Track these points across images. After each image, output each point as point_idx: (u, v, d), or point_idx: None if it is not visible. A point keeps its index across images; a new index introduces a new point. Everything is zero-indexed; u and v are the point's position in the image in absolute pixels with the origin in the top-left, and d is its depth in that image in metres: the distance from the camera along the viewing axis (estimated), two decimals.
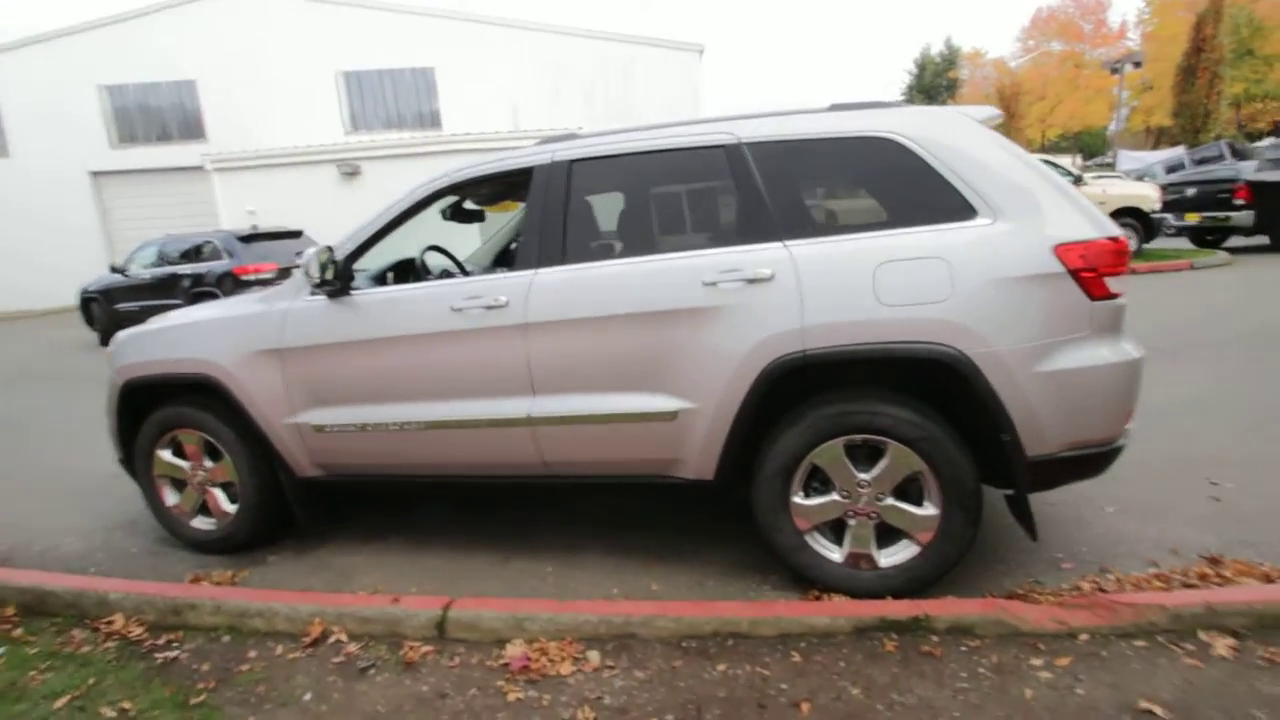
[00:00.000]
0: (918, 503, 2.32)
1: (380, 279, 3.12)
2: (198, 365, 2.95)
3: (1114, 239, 2.17)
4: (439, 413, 2.68)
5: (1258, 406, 4.11)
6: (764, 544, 2.49)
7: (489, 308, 2.56)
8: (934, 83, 46.84)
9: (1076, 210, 2.20)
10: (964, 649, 2.11)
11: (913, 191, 2.27)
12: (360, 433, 2.79)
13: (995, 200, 2.20)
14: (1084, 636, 2.12)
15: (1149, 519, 2.86)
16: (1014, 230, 2.17)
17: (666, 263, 2.43)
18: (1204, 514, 2.87)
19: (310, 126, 19.41)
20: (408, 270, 3.28)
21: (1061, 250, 2.13)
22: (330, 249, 2.76)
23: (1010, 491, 2.34)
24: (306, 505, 3.06)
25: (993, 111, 2.49)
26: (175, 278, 10.25)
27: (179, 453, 3.13)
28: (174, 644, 2.46)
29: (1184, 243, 12.78)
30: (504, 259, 3.95)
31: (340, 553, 3.10)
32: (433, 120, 20.83)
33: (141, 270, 10.78)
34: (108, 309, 10.91)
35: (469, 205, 3.65)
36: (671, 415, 2.42)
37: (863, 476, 2.32)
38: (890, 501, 2.32)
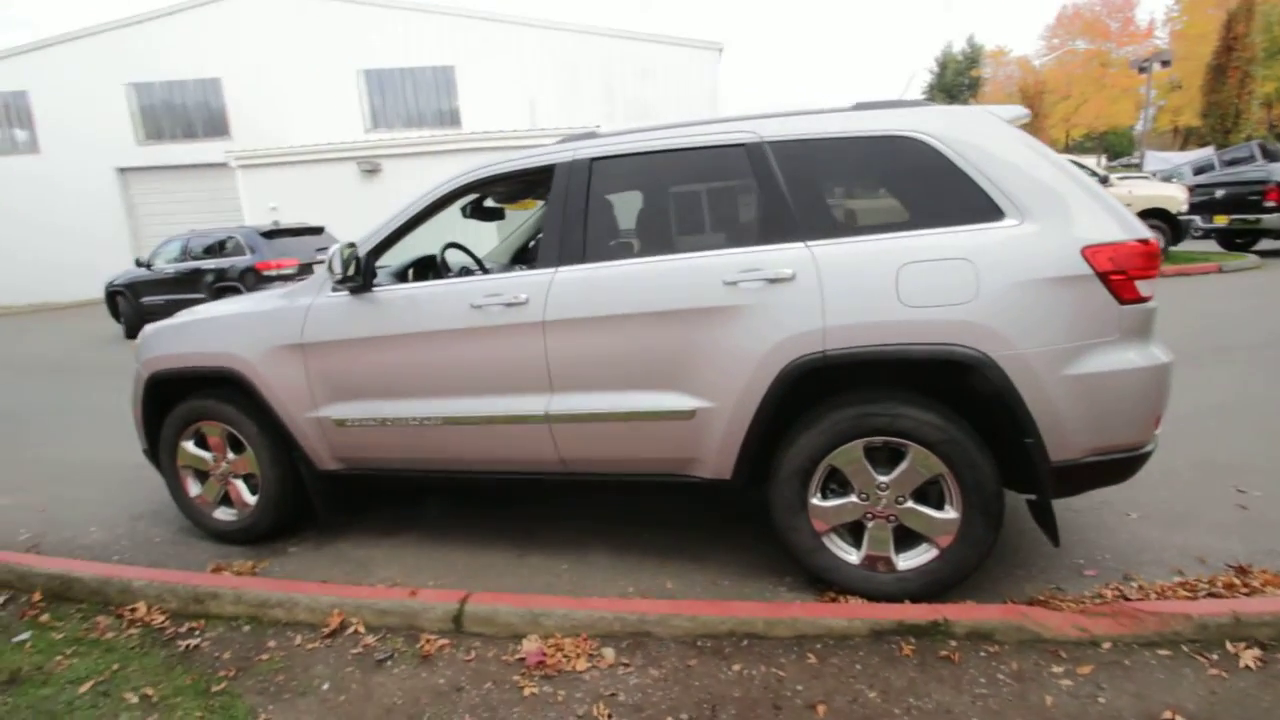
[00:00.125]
0: (938, 506, 2.29)
1: (401, 276, 3.15)
2: (222, 359, 2.99)
3: (1144, 241, 2.13)
4: (458, 409, 2.70)
5: None
6: (780, 545, 2.48)
7: (509, 305, 2.57)
8: (956, 81, 46.35)
9: (1105, 211, 2.16)
10: (983, 654, 2.08)
11: (938, 192, 2.24)
12: (380, 427, 2.81)
13: (1022, 201, 2.17)
14: (1106, 645, 2.09)
15: (1174, 526, 2.81)
16: (1041, 232, 2.14)
17: (687, 262, 2.43)
18: (1231, 522, 2.82)
19: (332, 124, 19.64)
20: (428, 267, 3.30)
21: (1089, 252, 2.10)
22: (353, 245, 2.79)
23: (1033, 496, 2.31)
24: (326, 498, 3.10)
25: (1021, 111, 2.45)
26: (199, 272, 10.42)
27: (202, 444, 3.18)
28: (196, 632, 2.50)
29: (1212, 245, 12.54)
30: (522, 257, 3.97)
31: (359, 545, 3.14)
32: (452, 118, 20.98)
33: (166, 265, 10.96)
34: (133, 303, 11.12)
35: (489, 203, 3.67)
36: (689, 414, 2.41)
37: (882, 479, 2.30)
38: (910, 505, 2.30)
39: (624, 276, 2.49)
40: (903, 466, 2.27)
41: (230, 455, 3.12)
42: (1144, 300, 2.14)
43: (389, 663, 2.25)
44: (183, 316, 3.32)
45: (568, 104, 19.96)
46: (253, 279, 9.82)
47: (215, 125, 20.94)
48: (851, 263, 2.24)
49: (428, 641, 2.32)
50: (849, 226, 2.42)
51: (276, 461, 3.02)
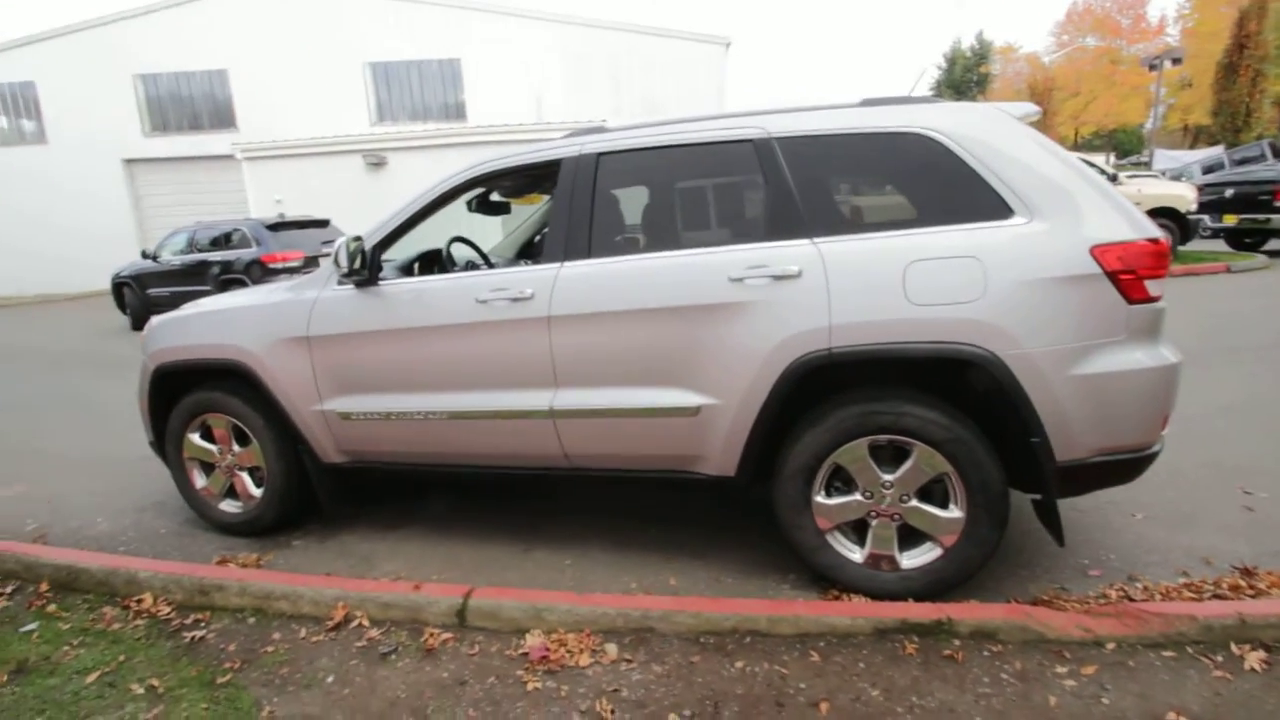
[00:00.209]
0: (943, 505, 2.29)
1: (407, 269, 3.15)
2: (228, 351, 3.00)
3: (1154, 241, 2.11)
4: (462, 403, 2.70)
5: None
6: (784, 542, 2.48)
7: (514, 300, 2.57)
8: (964, 78, 46.10)
9: (1115, 211, 2.15)
10: (987, 654, 2.08)
11: (947, 189, 2.23)
12: (385, 421, 2.82)
13: (1032, 199, 2.16)
14: (1111, 645, 2.08)
15: (1179, 527, 2.80)
16: (1050, 230, 2.12)
17: (693, 258, 2.42)
18: (1237, 523, 2.80)
19: (338, 117, 19.63)
20: (433, 261, 3.30)
21: (1099, 251, 2.08)
22: (359, 239, 2.79)
23: (1038, 496, 2.31)
24: (331, 491, 3.11)
25: (1031, 108, 2.43)
26: (204, 264, 10.44)
27: (208, 437, 3.19)
28: (201, 624, 2.51)
29: (1220, 245, 12.46)
30: (528, 251, 3.97)
31: (363, 539, 3.15)
32: (458, 111, 20.94)
33: (172, 256, 10.99)
34: (139, 294, 11.15)
35: (495, 197, 3.66)
36: (694, 411, 2.41)
37: (887, 477, 2.29)
38: (914, 503, 2.29)
39: (629, 272, 2.48)
40: (908, 465, 2.27)
41: (236, 448, 3.14)
42: (1153, 300, 2.13)
43: (393, 656, 2.26)
44: (189, 309, 3.33)
45: (574, 98, 19.91)
46: (258, 271, 9.84)
47: (222, 117, 20.95)
48: (858, 260, 2.24)
49: (431, 635, 2.33)
50: (856, 224, 2.41)
51: (282, 454, 3.03)
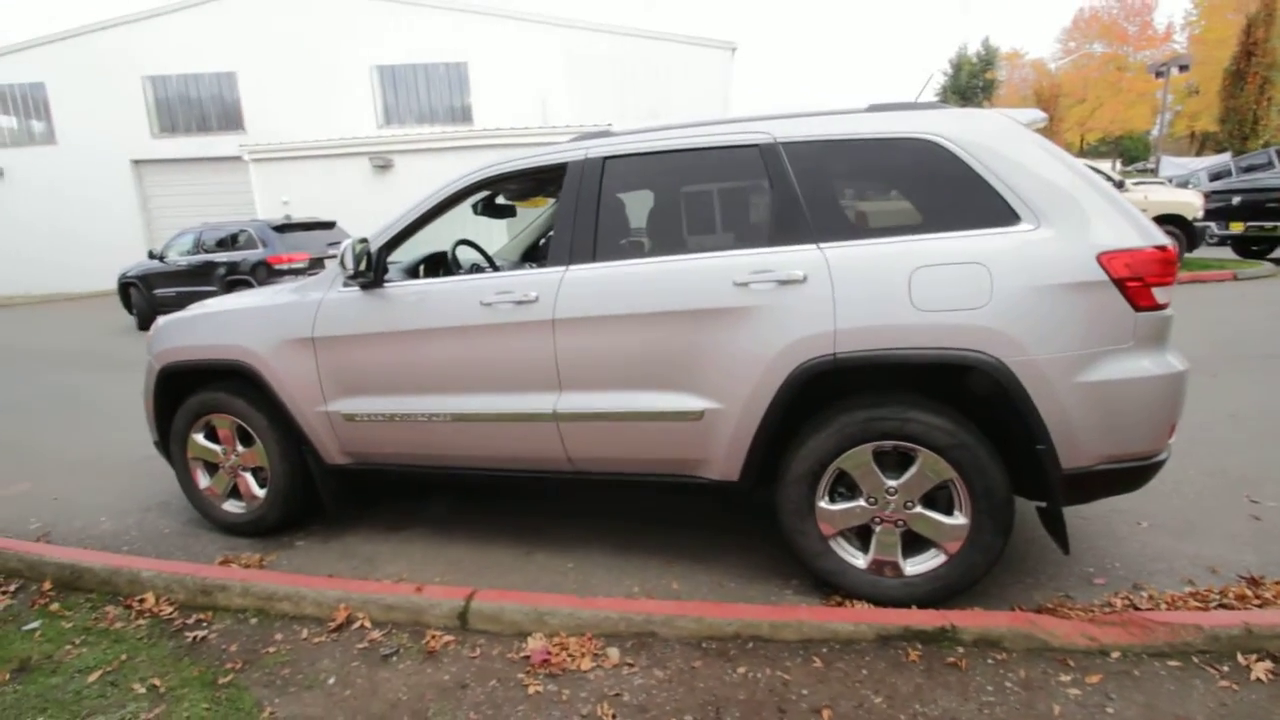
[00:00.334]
0: (947, 511, 2.28)
1: (412, 272, 3.15)
2: (233, 352, 3.01)
3: (1161, 248, 2.10)
4: (466, 405, 2.70)
5: None
6: (787, 547, 2.47)
7: (519, 303, 2.58)
8: (970, 84, 46.07)
9: (1123, 217, 2.14)
10: (990, 662, 2.07)
11: (953, 195, 2.23)
12: (389, 423, 2.82)
13: (1038, 206, 2.15)
14: (1115, 654, 2.07)
15: (1185, 536, 2.78)
16: (1057, 237, 2.12)
17: (698, 262, 2.42)
18: (1243, 532, 2.78)
19: (345, 119, 19.72)
20: (439, 264, 3.31)
21: (1106, 258, 2.08)
22: (365, 241, 2.80)
23: (1043, 504, 2.30)
24: (334, 492, 3.11)
25: (1038, 114, 2.43)
26: (211, 265, 10.49)
27: (212, 437, 3.20)
28: (203, 624, 2.52)
29: (1227, 252, 12.41)
30: (533, 254, 3.98)
31: (366, 540, 3.15)
32: (464, 115, 21.02)
33: (179, 257, 11.04)
34: (145, 294, 11.20)
35: (500, 200, 3.67)
36: (698, 415, 2.41)
37: (891, 483, 2.28)
38: (918, 510, 2.28)
39: (634, 276, 2.48)
40: (912, 471, 2.26)
41: (240, 448, 3.14)
42: (1160, 308, 2.12)
43: (394, 658, 2.26)
44: (195, 309, 3.34)
45: (580, 102, 19.96)
46: (264, 273, 9.88)
47: (229, 119, 21.06)
48: (864, 265, 2.23)
49: (433, 638, 2.33)
50: (862, 229, 2.40)
51: (286, 455, 3.04)
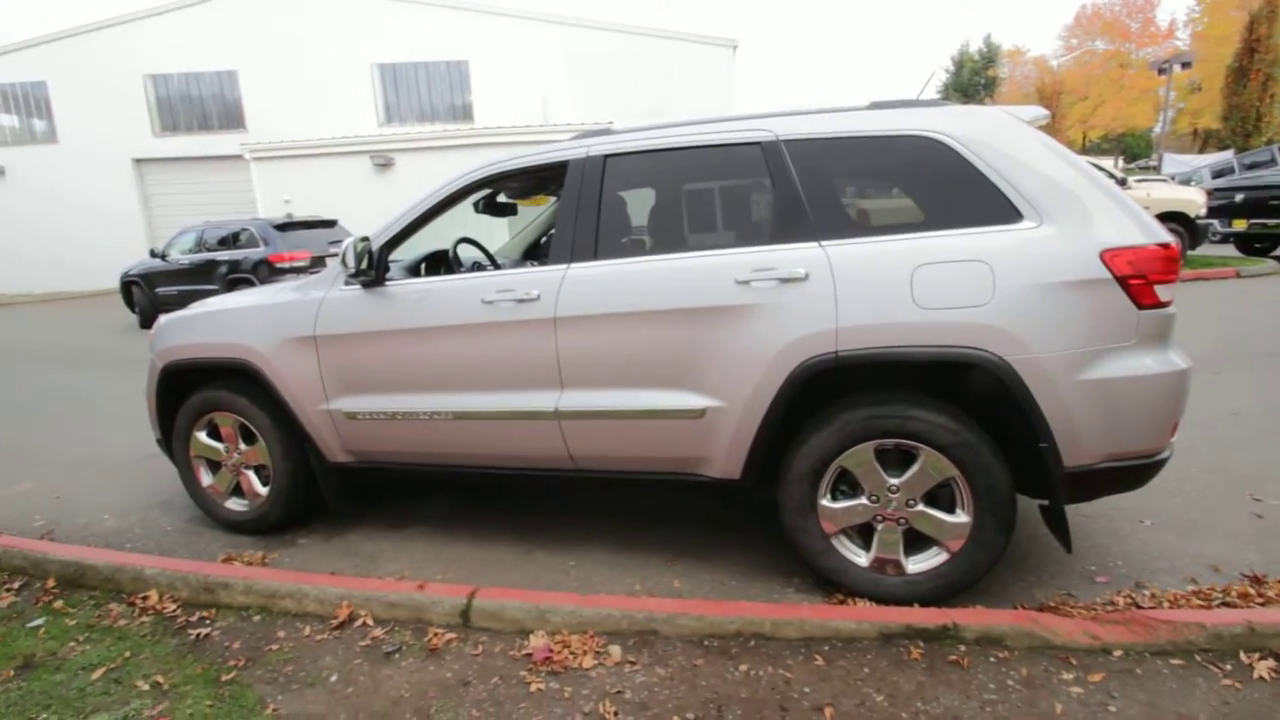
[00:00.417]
0: (949, 510, 2.28)
1: (414, 270, 3.16)
2: (235, 350, 3.01)
3: (1164, 245, 2.10)
4: (468, 403, 2.70)
5: None
6: (789, 545, 2.47)
7: (520, 301, 2.58)
8: (972, 81, 45.99)
9: (1126, 215, 2.13)
10: (993, 660, 2.07)
11: (955, 193, 2.22)
12: (391, 421, 2.82)
13: (1041, 203, 2.14)
14: (1118, 653, 2.06)
15: (1188, 534, 2.78)
16: (1059, 234, 2.11)
17: (700, 260, 2.42)
18: (1246, 531, 2.78)
19: (346, 118, 19.71)
20: (440, 262, 3.31)
21: (1108, 256, 2.07)
22: (367, 239, 2.80)
23: (1046, 502, 2.29)
24: (337, 490, 3.11)
25: (1040, 112, 2.42)
26: (213, 264, 10.49)
27: (215, 435, 3.20)
28: (206, 621, 2.52)
29: (1230, 250, 12.39)
30: (534, 253, 3.98)
31: (368, 538, 3.15)
32: (465, 113, 21.00)
33: (180, 256, 11.05)
34: (147, 293, 11.21)
35: (502, 198, 3.67)
36: (699, 413, 2.40)
37: (893, 481, 2.28)
38: (921, 508, 2.28)
39: (636, 274, 2.48)
40: (914, 469, 2.26)
41: (242, 446, 3.15)
42: (1163, 305, 2.12)
43: (396, 656, 2.26)
44: (196, 308, 3.34)
45: (581, 100, 19.94)
46: (266, 271, 9.88)
47: (231, 118, 21.06)
48: (866, 263, 2.23)
49: (435, 635, 2.33)
50: (864, 227, 2.40)
51: (288, 453, 3.04)
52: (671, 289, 2.41)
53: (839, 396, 2.33)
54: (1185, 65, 19.88)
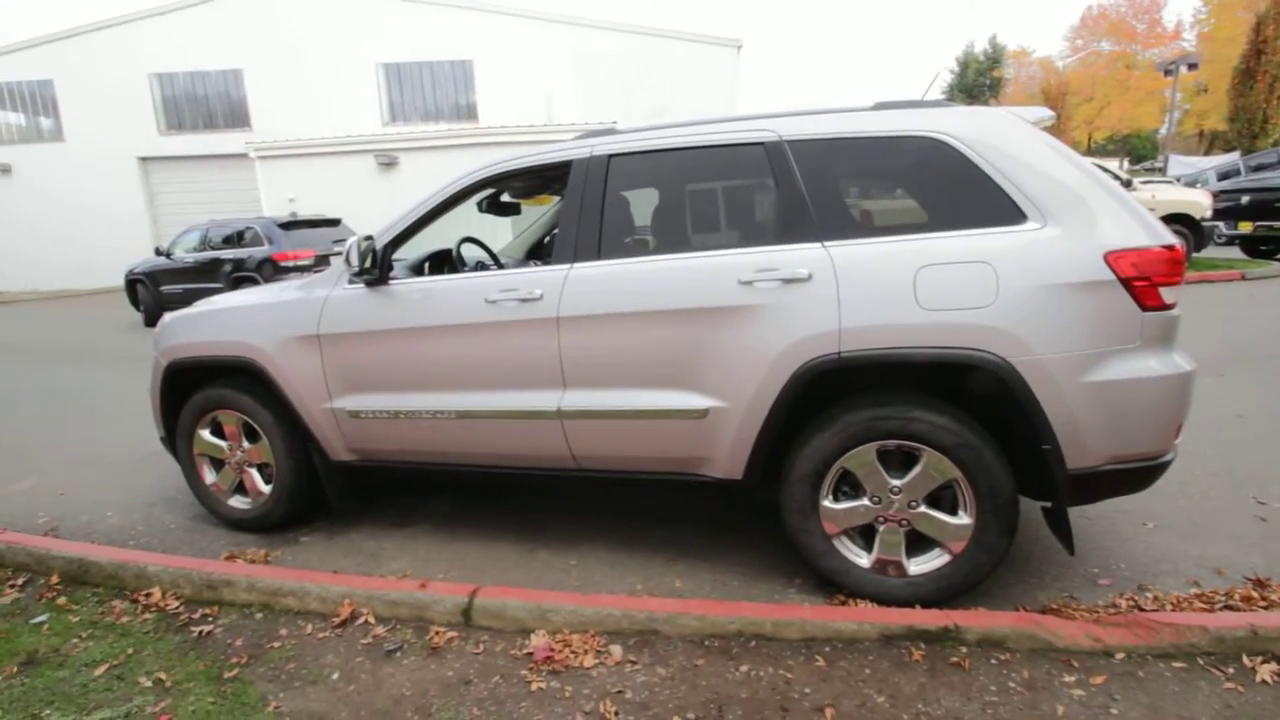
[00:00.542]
0: (951, 511, 2.27)
1: (417, 269, 3.17)
2: (239, 349, 3.02)
3: (1169, 247, 2.09)
4: (471, 403, 2.71)
5: None
6: (790, 546, 2.47)
7: (523, 300, 2.58)
8: (977, 81, 45.89)
9: (1130, 216, 2.13)
10: (994, 662, 2.06)
11: (959, 194, 2.22)
12: (394, 420, 2.83)
13: (1045, 204, 2.14)
14: (1120, 655, 2.06)
15: (1191, 537, 2.77)
16: (1064, 236, 2.11)
17: (703, 260, 2.42)
18: (1250, 534, 2.77)
19: (350, 117, 19.75)
20: (443, 261, 3.32)
21: (1113, 258, 2.06)
22: (370, 238, 2.81)
23: (1048, 504, 2.29)
24: (339, 489, 3.12)
25: (1045, 113, 2.42)
26: (217, 262, 10.53)
27: (218, 433, 3.21)
28: (209, 618, 2.53)
29: (1235, 252, 12.35)
30: (537, 252, 3.98)
31: (371, 536, 3.16)
32: (469, 112, 21.02)
33: (185, 254, 11.09)
34: (152, 291, 11.26)
35: (505, 198, 3.68)
36: (702, 413, 2.40)
37: (895, 482, 2.28)
38: (923, 509, 2.28)
39: (639, 274, 2.48)
40: (916, 471, 2.26)
41: (246, 444, 3.16)
42: (1168, 307, 2.11)
43: (398, 654, 2.26)
44: (201, 306, 3.36)
45: (585, 99, 19.94)
46: (270, 270, 9.91)
47: (236, 116, 21.11)
48: (869, 264, 2.22)
49: (437, 634, 2.34)
50: (867, 227, 2.39)
51: (291, 451, 3.05)
52: (674, 289, 2.41)
53: (841, 397, 2.33)
54: (1191, 66, 19.79)
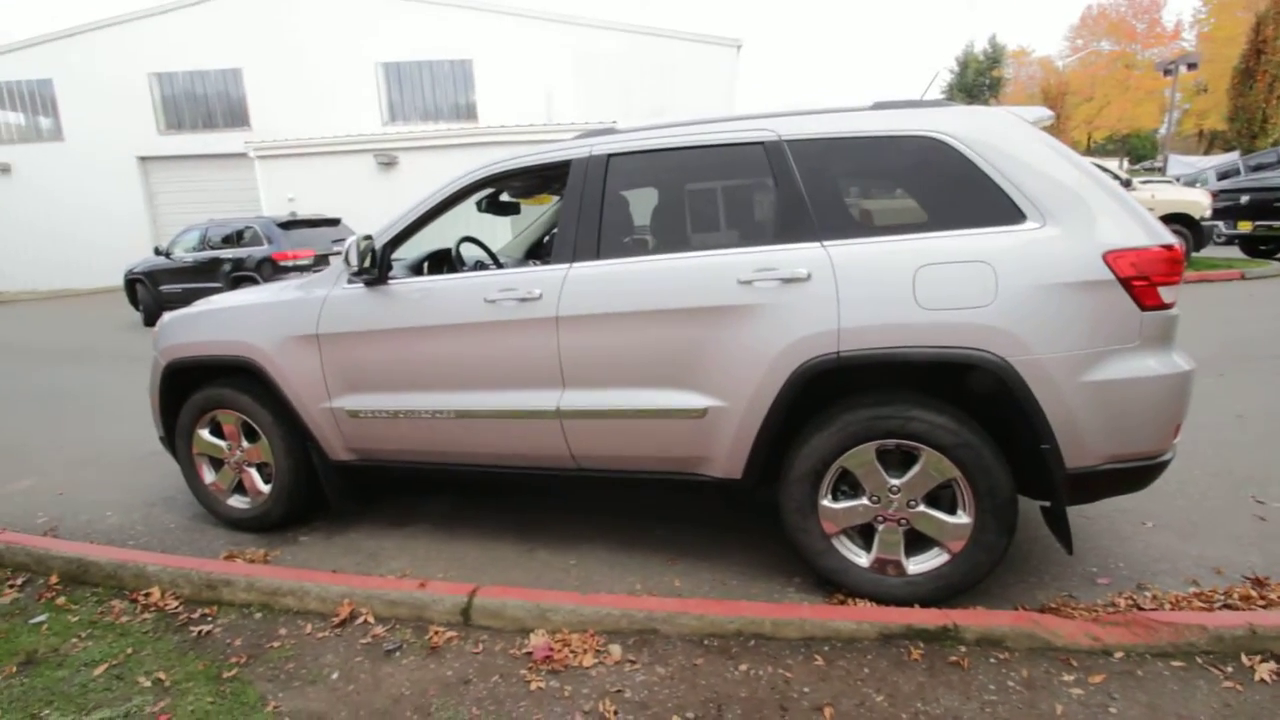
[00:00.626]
0: (950, 511, 2.27)
1: (416, 269, 3.17)
2: (238, 348, 3.02)
3: (1168, 247, 2.09)
4: (470, 402, 2.71)
5: None
6: (789, 545, 2.47)
7: (522, 300, 2.58)
8: (977, 81, 45.90)
9: (1129, 216, 2.13)
10: (993, 661, 2.07)
11: (958, 193, 2.22)
12: (393, 419, 2.83)
13: (1044, 204, 2.14)
14: (1119, 654, 2.06)
15: (1190, 536, 2.77)
16: (1063, 235, 2.11)
17: (702, 260, 2.42)
18: (1248, 533, 2.77)
19: (350, 116, 19.73)
20: (443, 261, 3.32)
21: (1112, 257, 2.07)
22: (370, 237, 2.81)
23: (1047, 503, 2.29)
24: (339, 488, 3.12)
25: (1044, 113, 2.42)
26: (216, 261, 10.53)
27: (218, 432, 3.21)
28: (208, 618, 2.53)
29: (1235, 251, 12.35)
30: (537, 252, 3.98)
31: (370, 536, 3.16)
32: (469, 112, 21.01)
33: (184, 253, 11.09)
34: (151, 291, 11.25)
35: (505, 197, 3.68)
36: (701, 413, 2.41)
37: (894, 482, 2.28)
38: (922, 508, 2.28)
39: (638, 274, 2.48)
40: (915, 470, 2.26)
41: (245, 444, 3.16)
42: (1166, 307, 2.11)
43: (397, 653, 2.26)
44: (200, 305, 3.35)
45: (585, 99, 19.93)
46: (270, 269, 9.91)
47: (235, 116, 21.09)
48: (868, 264, 2.23)
49: (436, 633, 2.34)
50: (866, 227, 2.39)
51: (290, 451, 3.05)
52: (674, 289, 2.41)
53: (841, 397, 2.33)
54: (1191, 66, 19.80)
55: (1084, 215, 2.12)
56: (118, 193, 20.85)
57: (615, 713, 1.93)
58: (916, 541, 2.34)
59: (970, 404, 2.25)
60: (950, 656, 2.08)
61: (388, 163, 16.40)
